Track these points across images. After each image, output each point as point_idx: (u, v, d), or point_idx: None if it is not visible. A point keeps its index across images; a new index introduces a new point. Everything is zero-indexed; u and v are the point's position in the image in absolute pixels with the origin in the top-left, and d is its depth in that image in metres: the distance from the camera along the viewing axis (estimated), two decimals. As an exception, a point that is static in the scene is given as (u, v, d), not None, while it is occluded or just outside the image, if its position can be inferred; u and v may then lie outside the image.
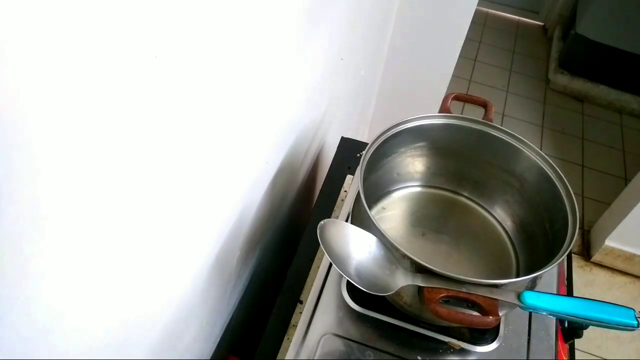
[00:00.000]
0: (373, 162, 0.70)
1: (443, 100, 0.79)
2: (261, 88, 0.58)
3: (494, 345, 0.69)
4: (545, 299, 0.56)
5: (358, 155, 0.94)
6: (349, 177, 0.91)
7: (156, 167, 0.41)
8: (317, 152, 1.05)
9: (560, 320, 0.73)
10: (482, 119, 0.76)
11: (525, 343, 0.70)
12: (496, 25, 2.88)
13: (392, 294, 0.64)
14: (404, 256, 0.60)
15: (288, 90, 0.71)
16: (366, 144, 0.71)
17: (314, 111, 0.89)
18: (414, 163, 0.83)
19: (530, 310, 0.58)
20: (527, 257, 0.76)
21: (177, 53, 0.37)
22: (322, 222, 0.58)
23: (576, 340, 0.74)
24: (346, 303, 0.71)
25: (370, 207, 0.62)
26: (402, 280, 0.57)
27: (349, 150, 0.96)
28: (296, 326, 0.69)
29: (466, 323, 0.61)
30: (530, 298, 0.56)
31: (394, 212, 0.82)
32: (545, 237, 0.72)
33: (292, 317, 0.71)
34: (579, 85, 2.44)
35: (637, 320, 0.54)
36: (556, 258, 0.60)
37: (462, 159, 0.80)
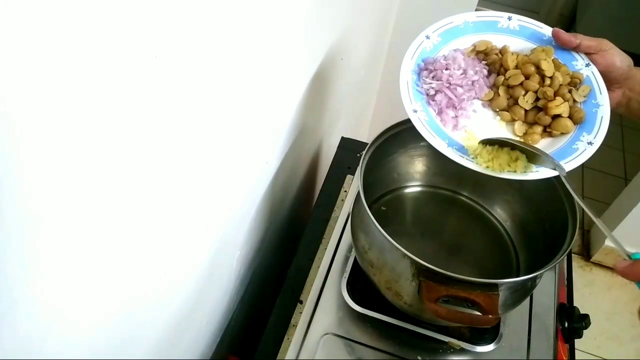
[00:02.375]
0: (373, 162, 0.70)
1: (443, 100, 0.79)
2: (261, 88, 0.58)
3: (494, 345, 0.69)
4: None
5: (358, 155, 0.94)
6: (349, 177, 0.91)
7: (156, 166, 0.41)
8: (317, 152, 1.05)
9: (560, 320, 0.73)
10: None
11: (525, 343, 0.70)
12: (496, 25, 2.87)
13: (392, 294, 0.64)
14: (404, 256, 0.60)
15: (288, 90, 0.71)
16: (366, 144, 0.71)
17: (314, 111, 0.89)
18: (414, 163, 0.83)
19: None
20: (527, 257, 0.76)
21: (177, 53, 0.37)
22: None
23: (576, 340, 0.74)
24: (346, 303, 0.71)
25: (370, 207, 0.62)
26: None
27: (349, 150, 0.96)
28: (296, 326, 0.69)
29: (466, 322, 0.61)
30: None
31: (394, 212, 0.82)
32: (545, 237, 0.72)
33: (292, 317, 0.71)
34: (579, 85, 2.43)
35: None
36: (556, 258, 0.60)
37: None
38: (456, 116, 0.62)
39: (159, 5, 0.33)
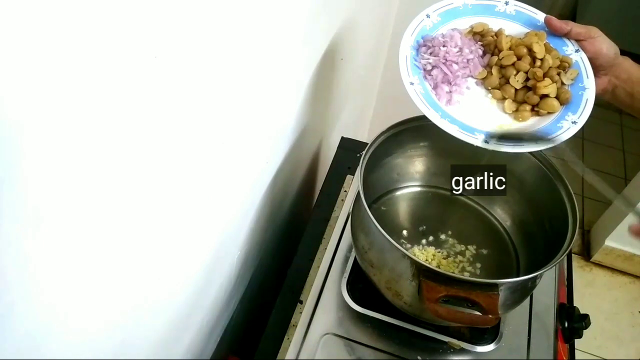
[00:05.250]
0: (373, 162, 0.70)
1: (443, 100, 0.79)
2: (261, 88, 0.58)
3: (494, 345, 0.69)
4: None
5: (358, 155, 0.94)
6: (349, 177, 0.91)
7: (156, 166, 0.41)
8: (317, 152, 1.05)
9: (560, 320, 0.73)
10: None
11: (525, 343, 0.70)
12: (496, 25, 2.86)
13: (392, 294, 0.65)
14: (404, 256, 0.60)
15: (288, 90, 0.71)
16: (366, 144, 0.71)
17: (314, 111, 0.89)
18: (414, 163, 0.83)
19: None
20: (527, 257, 0.76)
21: (177, 53, 0.37)
22: None
23: (576, 340, 0.74)
24: (346, 303, 0.71)
25: (370, 207, 0.62)
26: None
27: (349, 150, 0.96)
28: (296, 326, 0.69)
29: (466, 322, 0.61)
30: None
31: (394, 212, 0.82)
32: (545, 237, 0.72)
33: (292, 317, 0.71)
34: (579, 85, 2.42)
35: None
36: (556, 258, 0.60)
37: (462, 159, 0.80)
38: (450, 91, 0.65)
39: (159, 5, 0.33)
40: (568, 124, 0.62)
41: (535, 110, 0.65)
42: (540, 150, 0.65)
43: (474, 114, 0.64)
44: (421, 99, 0.62)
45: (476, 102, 0.66)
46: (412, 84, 0.63)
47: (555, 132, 0.62)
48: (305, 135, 0.87)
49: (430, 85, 0.65)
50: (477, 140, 0.61)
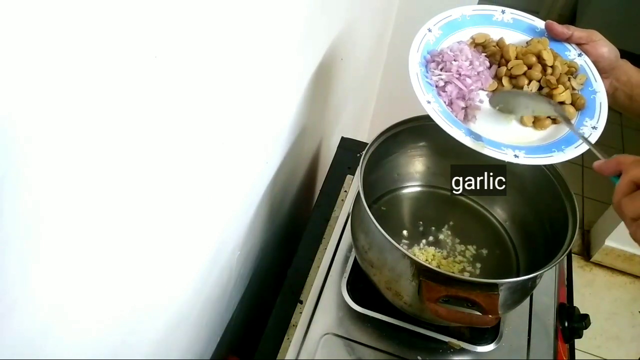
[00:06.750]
0: (373, 162, 0.70)
1: (443, 100, 0.79)
2: (261, 88, 0.59)
3: (494, 345, 0.69)
4: None
5: (358, 155, 0.94)
6: (349, 177, 0.91)
7: (156, 166, 0.41)
8: (317, 152, 1.05)
9: (560, 320, 0.73)
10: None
11: (525, 343, 0.70)
12: (496, 25, 2.86)
13: (392, 294, 0.65)
14: (404, 256, 0.60)
15: (288, 90, 0.71)
16: (366, 144, 0.71)
17: (314, 111, 0.89)
18: (414, 163, 0.83)
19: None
20: (527, 257, 0.76)
21: (177, 53, 0.37)
22: None
23: (576, 340, 0.74)
24: (346, 303, 0.71)
25: (370, 207, 0.62)
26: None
27: (349, 150, 0.96)
28: (296, 326, 0.69)
29: (466, 322, 0.61)
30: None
31: (394, 212, 0.82)
32: (545, 237, 0.72)
33: (292, 317, 0.71)
34: (579, 85, 2.42)
35: None
36: (556, 258, 0.60)
37: (462, 159, 0.80)
38: (465, 106, 0.64)
39: (159, 5, 0.33)
40: (589, 130, 0.62)
41: (551, 118, 0.64)
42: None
43: (494, 128, 0.63)
44: (442, 118, 0.60)
45: (491, 115, 0.65)
46: (429, 102, 0.61)
47: (579, 139, 0.61)
48: (305, 135, 0.87)
49: (445, 101, 0.64)
50: (507, 156, 0.59)
